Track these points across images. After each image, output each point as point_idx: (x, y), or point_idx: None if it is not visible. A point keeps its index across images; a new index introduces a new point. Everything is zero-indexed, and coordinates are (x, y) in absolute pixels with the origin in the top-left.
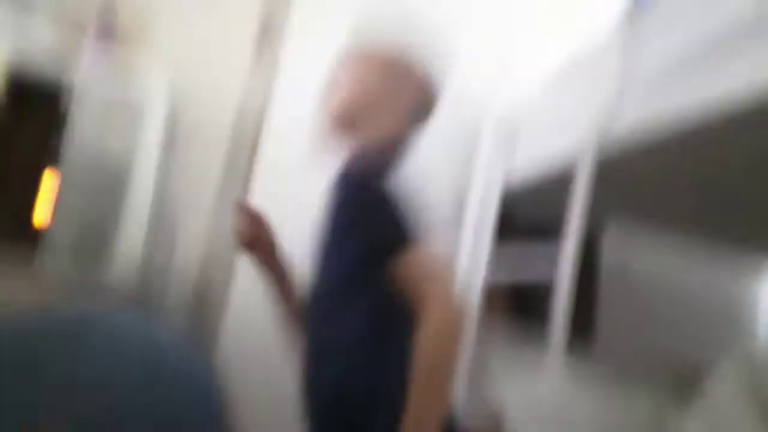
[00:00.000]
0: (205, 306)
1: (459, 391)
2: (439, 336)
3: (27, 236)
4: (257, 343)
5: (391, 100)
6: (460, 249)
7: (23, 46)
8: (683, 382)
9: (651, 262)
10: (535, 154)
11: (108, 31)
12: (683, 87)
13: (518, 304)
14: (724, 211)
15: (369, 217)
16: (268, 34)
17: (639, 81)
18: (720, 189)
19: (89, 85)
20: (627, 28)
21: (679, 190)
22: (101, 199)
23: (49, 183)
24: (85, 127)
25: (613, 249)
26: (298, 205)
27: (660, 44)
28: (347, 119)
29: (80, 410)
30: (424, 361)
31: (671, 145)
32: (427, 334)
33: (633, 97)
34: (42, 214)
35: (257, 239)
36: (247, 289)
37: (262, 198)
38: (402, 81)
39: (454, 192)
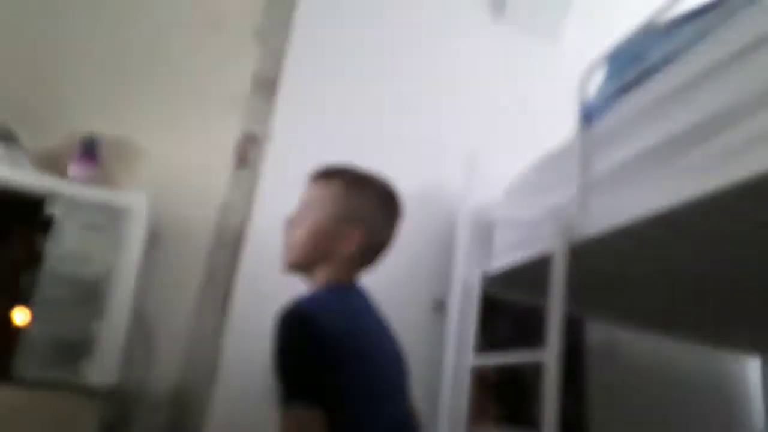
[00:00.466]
0: (185, 411)
1: None
2: None
3: (5, 337)
4: None
5: (340, 240)
6: (447, 334)
7: (10, 168)
8: None
9: (638, 344)
10: (511, 244)
11: (91, 149)
12: (636, 187)
13: (509, 387)
14: (693, 306)
15: (283, 364)
16: (249, 145)
17: (597, 179)
18: (686, 283)
19: (73, 197)
20: (582, 134)
21: (647, 281)
22: (80, 305)
23: (28, 288)
24: (67, 236)
25: (599, 332)
26: (278, 308)
27: (613, 149)
28: (299, 266)
29: None
30: None
31: (632, 237)
32: None
33: (594, 195)
34: (21, 316)
35: None
36: (228, 394)
37: (243, 306)
38: (356, 213)
39: (438, 281)
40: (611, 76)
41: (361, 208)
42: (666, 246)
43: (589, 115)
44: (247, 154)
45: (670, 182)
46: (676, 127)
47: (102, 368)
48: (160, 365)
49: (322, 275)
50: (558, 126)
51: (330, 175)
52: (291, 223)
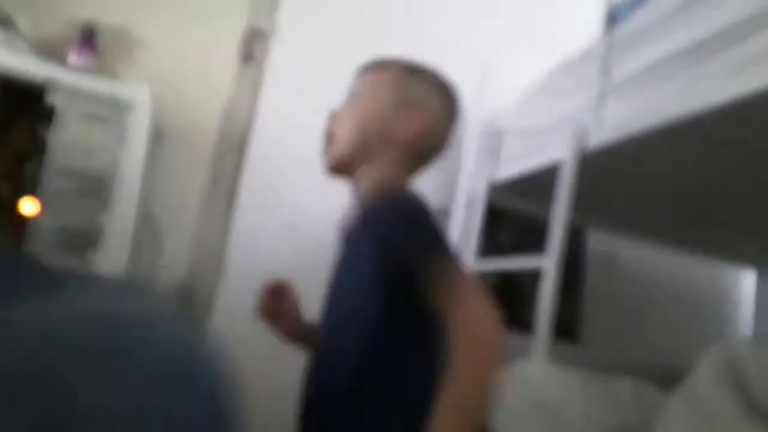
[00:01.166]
0: (192, 305)
1: None
2: (475, 362)
3: (13, 227)
4: (244, 342)
5: (397, 124)
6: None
7: (10, 54)
8: (667, 372)
9: (636, 255)
10: (520, 153)
11: (91, 38)
12: (657, 93)
13: (508, 293)
14: (696, 218)
15: (417, 226)
16: (254, 41)
17: (617, 86)
18: (693, 194)
19: (73, 86)
20: (606, 37)
21: (654, 192)
22: (87, 197)
23: (34, 179)
24: (69, 127)
25: (599, 242)
26: (283, 207)
27: (636, 52)
28: (346, 161)
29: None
30: (457, 387)
31: (646, 146)
32: (464, 358)
33: (611, 101)
34: (29, 205)
35: (280, 313)
36: (234, 290)
37: (249, 204)
38: (416, 97)
39: (443, 188)
40: None
41: (421, 94)
42: (678, 155)
43: (615, 17)
44: (253, 49)
45: (690, 88)
46: (705, 31)
47: (110, 259)
48: (167, 260)
49: (375, 172)
50: (581, 34)
51: (384, 63)
52: (335, 116)
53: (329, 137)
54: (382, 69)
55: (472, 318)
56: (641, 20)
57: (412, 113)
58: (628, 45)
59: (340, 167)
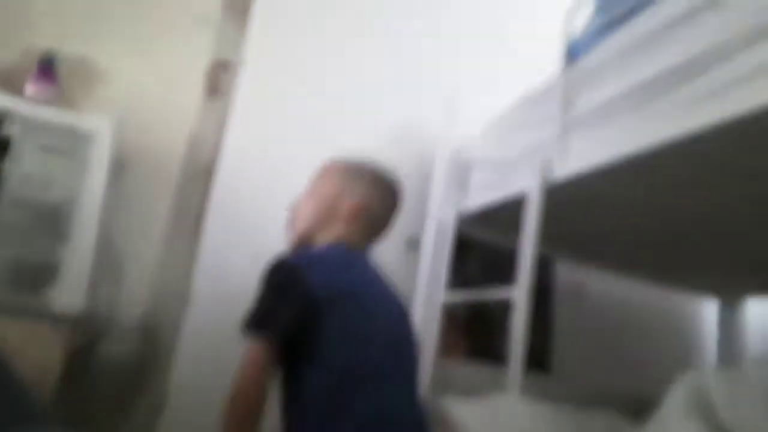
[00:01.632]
0: (155, 339)
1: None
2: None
3: None
4: (209, 378)
5: (341, 205)
6: (419, 272)
7: None
8: (636, 402)
9: (604, 286)
10: (487, 184)
11: (50, 68)
12: (616, 127)
13: (478, 324)
14: (660, 249)
15: (256, 299)
16: (220, 72)
17: (578, 118)
18: (656, 226)
19: (31, 117)
20: (565, 72)
21: (618, 223)
22: (43, 230)
23: None
24: (26, 158)
25: (568, 272)
26: (250, 239)
27: (595, 88)
28: (305, 235)
29: None
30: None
31: (608, 179)
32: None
33: (574, 134)
34: None
35: None
36: (199, 324)
37: (215, 235)
38: (354, 188)
39: (412, 219)
40: (600, 10)
41: (361, 184)
42: (640, 188)
43: (574, 52)
44: (219, 81)
45: (651, 123)
46: (661, 66)
47: (68, 295)
48: (128, 293)
49: (326, 236)
50: (543, 66)
51: (335, 162)
52: (296, 203)
53: (292, 219)
54: (333, 166)
55: (235, 382)
56: (599, 56)
57: (352, 197)
58: (587, 80)
59: (302, 240)
